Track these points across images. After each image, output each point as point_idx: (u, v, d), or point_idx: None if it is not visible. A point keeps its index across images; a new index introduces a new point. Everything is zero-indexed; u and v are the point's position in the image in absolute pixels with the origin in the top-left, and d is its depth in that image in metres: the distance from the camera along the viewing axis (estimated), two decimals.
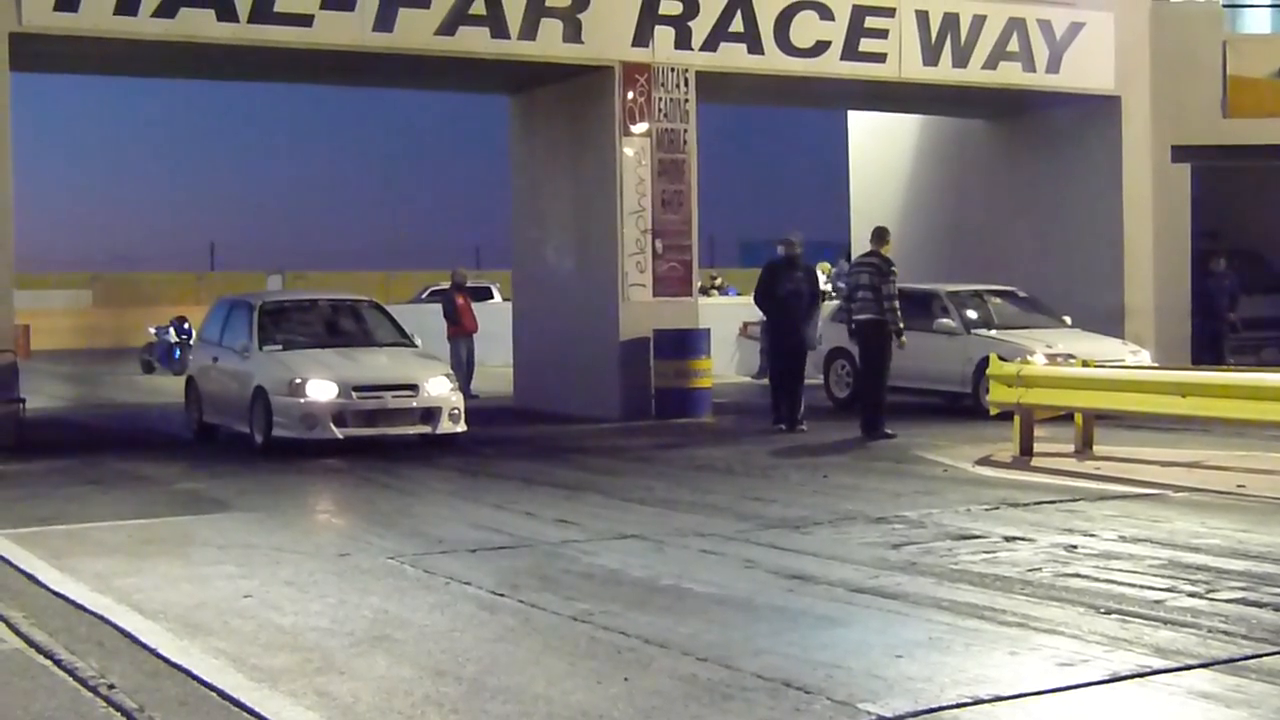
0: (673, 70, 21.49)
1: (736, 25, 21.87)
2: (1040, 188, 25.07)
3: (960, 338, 19.79)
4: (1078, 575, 8.82)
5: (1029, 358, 16.78)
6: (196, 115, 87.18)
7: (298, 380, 16.21)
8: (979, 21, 23.41)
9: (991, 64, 23.48)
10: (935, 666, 6.73)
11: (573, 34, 20.85)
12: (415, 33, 19.99)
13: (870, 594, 8.41)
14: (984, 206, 25.59)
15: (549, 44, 20.76)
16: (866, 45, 22.71)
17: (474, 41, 20.36)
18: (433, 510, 12.20)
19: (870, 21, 22.70)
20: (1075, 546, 9.83)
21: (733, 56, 21.94)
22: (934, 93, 24.16)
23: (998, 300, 21.24)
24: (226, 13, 18.87)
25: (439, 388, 16.73)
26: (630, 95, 21.20)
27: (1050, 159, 25.25)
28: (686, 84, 21.58)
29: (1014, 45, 23.59)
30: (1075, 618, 7.65)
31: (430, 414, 16.58)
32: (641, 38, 21.33)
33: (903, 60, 23.02)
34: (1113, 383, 14.33)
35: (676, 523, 11.33)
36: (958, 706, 6.02)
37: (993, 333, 19.73)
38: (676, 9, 21.49)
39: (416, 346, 18.13)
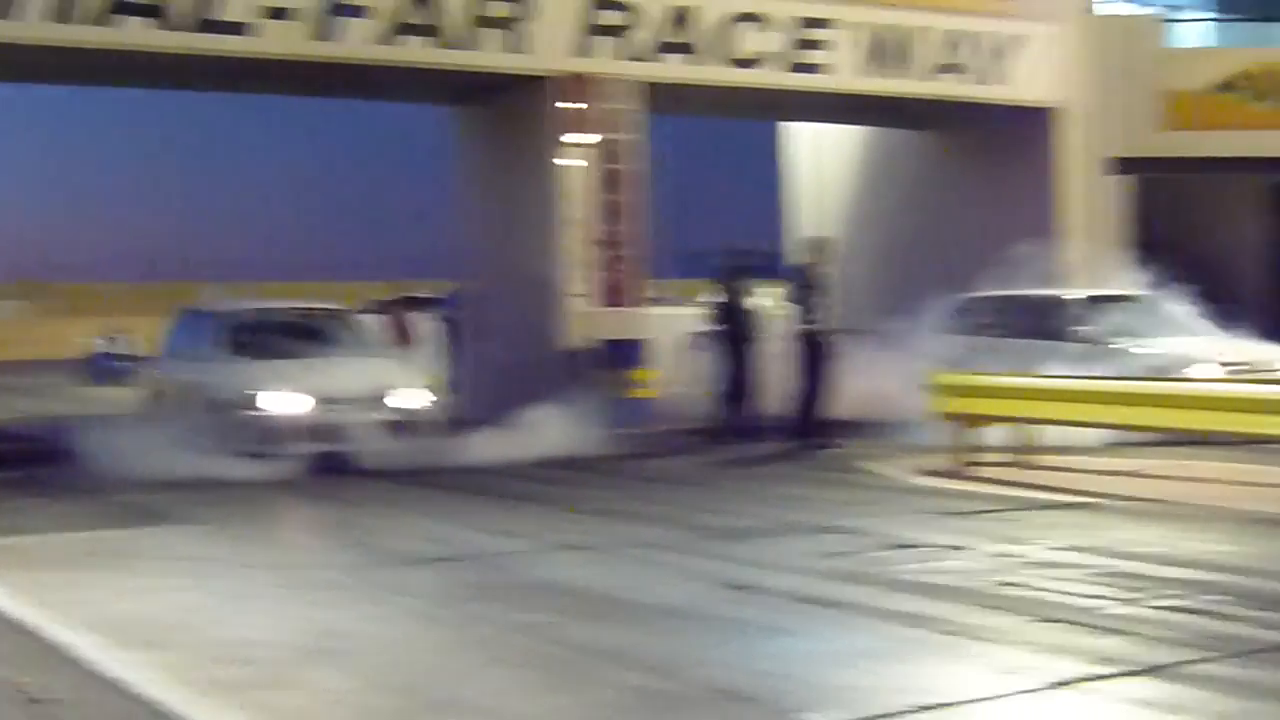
0: (614, 81, 21.53)
1: (678, 36, 21.95)
2: (979, 199, 25.23)
3: (1102, 348, 17.82)
4: (1016, 584, 8.89)
5: (1197, 369, 16.03)
6: (138, 124, 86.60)
7: (264, 393, 15.70)
8: (918, 33, 23.58)
9: (930, 76, 23.65)
10: (877, 675, 6.77)
11: (514, 44, 20.87)
12: (356, 42, 19.94)
13: (812, 603, 8.45)
14: (922, 218, 25.72)
15: (490, 54, 20.78)
16: (806, 57, 22.84)
17: (414, 51, 20.35)
18: (377, 522, 12.18)
19: (810, 33, 22.83)
20: (1013, 555, 9.91)
21: (674, 68, 22.02)
22: (873, 104, 24.32)
23: (1128, 305, 19.44)
24: (166, 21, 18.78)
25: (413, 399, 16.31)
26: (571, 106, 21.22)
27: (989, 170, 25.43)
28: (628, 95, 21.62)
29: (953, 57, 23.78)
30: (1015, 626, 7.72)
31: (405, 427, 16.03)
32: (583, 48, 21.37)
33: (842, 72, 23.17)
34: (1051, 392, 14.45)
35: (621, 533, 11.36)
36: (899, 714, 6.07)
37: (1144, 343, 18.05)
38: (618, 19, 21.54)
39: (391, 356, 17.90)
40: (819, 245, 17.85)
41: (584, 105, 21.29)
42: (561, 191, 21.18)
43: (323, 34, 19.72)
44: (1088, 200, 24.82)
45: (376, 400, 15.97)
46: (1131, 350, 17.66)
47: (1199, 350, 17.30)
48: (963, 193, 25.49)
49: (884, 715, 6.06)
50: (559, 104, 21.17)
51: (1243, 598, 8.34)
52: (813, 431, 17.15)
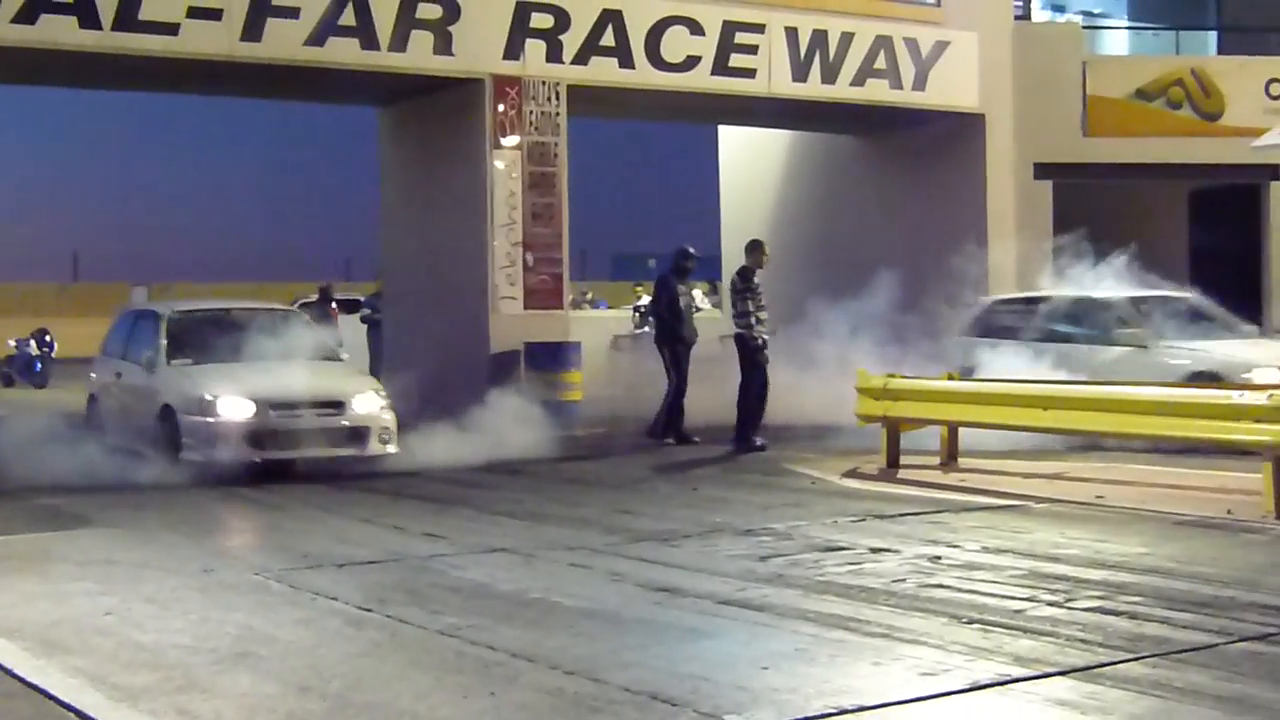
0: (544, 83, 21.49)
1: (608, 39, 21.92)
2: (907, 203, 25.38)
3: (1154, 352, 16.97)
4: (941, 586, 8.93)
5: (1260, 374, 15.16)
6: (58, 122, 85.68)
7: (209, 397, 14.85)
8: (847, 39, 23.68)
9: (859, 81, 23.76)
10: (800, 677, 6.77)
11: (443, 46, 20.79)
12: (284, 43, 19.80)
13: (737, 606, 8.44)
14: (853, 220, 25.84)
15: (419, 56, 20.68)
16: (736, 61, 22.88)
17: (343, 53, 20.23)
18: (300, 525, 12.08)
19: (740, 37, 22.88)
20: (939, 557, 9.94)
21: (604, 71, 22.00)
22: (803, 108, 24.40)
23: (1169, 306, 18.49)
24: (89, 20, 18.57)
25: (367, 405, 15.47)
26: (501, 108, 21.17)
27: (917, 175, 25.60)
28: (558, 97, 21.59)
29: (881, 63, 23.89)
30: (938, 628, 7.74)
31: (358, 434, 15.29)
32: (512, 51, 21.31)
33: (772, 76, 23.23)
34: (977, 395, 14.54)
35: (545, 536, 11.32)
36: (822, 717, 6.06)
37: (1196, 346, 17.08)
38: (548, 23, 21.49)
39: (342, 360, 17.05)
40: (756, 248, 17.83)
41: (513, 108, 21.24)
42: (489, 193, 21.10)
43: (250, 35, 19.56)
44: (1015, 204, 25.01)
45: (330, 405, 15.28)
46: (1183, 353, 16.80)
47: (1256, 354, 16.55)
48: (892, 196, 25.63)
49: (806, 717, 6.06)
50: (487, 107, 21.12)
51: (1161, 599, 8.41)
52: (745, 434, 17.16)
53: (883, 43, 23.92)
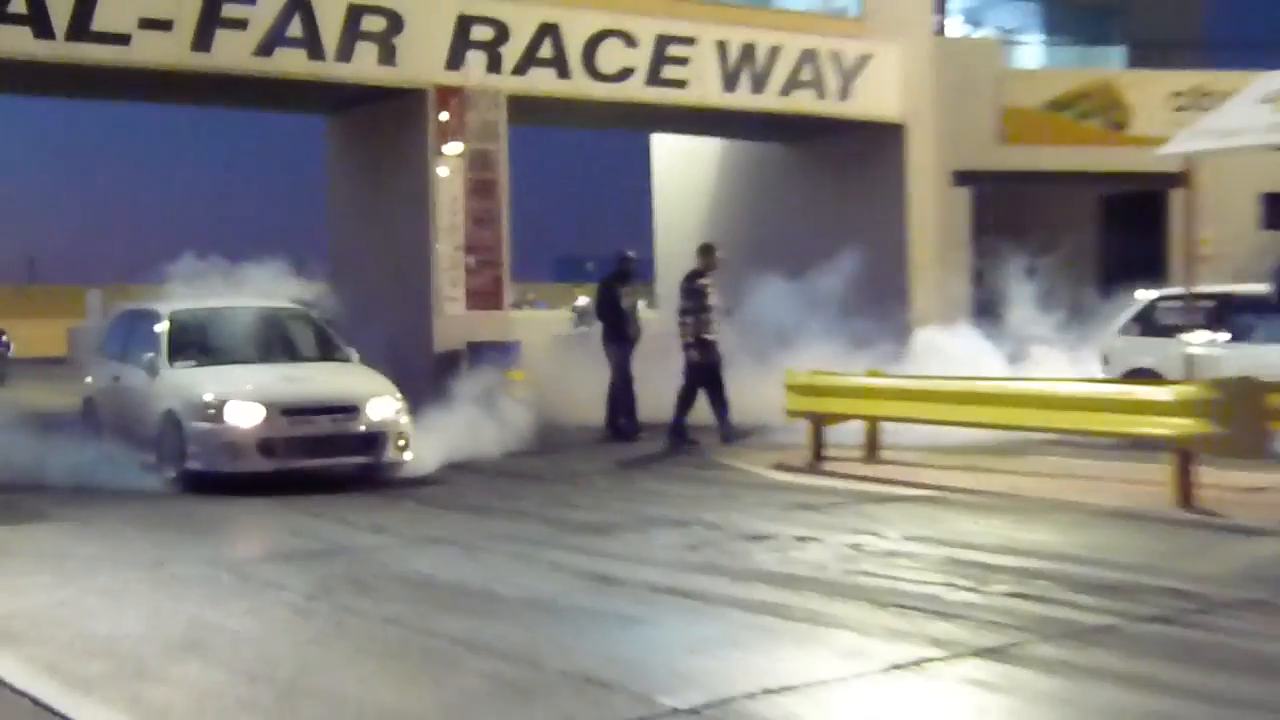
0: (484, 93, 21.48)
1: (546, 51, 21.96)
2: (833, 209, 25.50)
3: None
4: (863, 573, 9.00)
5: None
6: (12, 130, 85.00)
7: (215, 401, 13.34)
8: (774, 52, 23.80)
9: (786, 91, 23.88)
10: (729, 661, 6.82)
11: (387, 57, 20.76)
12: (233, 53, 19.70)
13: (670, 594, 8.49)
14: (781, 226, 25.91)
15: (364, 66, 20.64)
16: (669, 72, 22.96)
17: (291, 63, 20.16)
18: (250, 518, 12.04)
19: (672, 50, 22.95)
20: (861, 546, 10.01)
21: (542, 81, 22.03)
22: (733, 118, 24.50)
23: None
24: (43, 30, 18.43)
25: (384, 410, 13.91)
26: (443, 117, 21.14)
27: (841, 182, 25.73)
28: (498, 107, 21.59)
29: (807, 75, 24.03)
30: (859, 612, 7.81)
31: (373, 440, 13.79)
32: (454, 61, 21.30)
33: (703, 87, 23.31)
34: (898, 391, 14.62)
35: (486, 528, 11.33)
36: (748, 697, 6.11)
37: None
38: (488, 34, 21.50)
39: (352, 360, 15.29)
40: (707, 251, 17.82)
41: (455, 117, 21.22)
42: (432, 199, 21.08)
43: (200, 45, 19.46)
44: (935, 210, 25.19)
45: (344, 410, 13.76)
46: None
47: None
48: (818, 201, 25.74)
49: (733, 698, 6.10)
50: (430, 115, 21.09)
51: (1069, 584, 8.52)
52: (682, 430, 17.14)
53: (808, 56, 24.06)
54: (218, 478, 13.22)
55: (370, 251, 22.44)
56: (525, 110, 22.32)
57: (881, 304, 21.76)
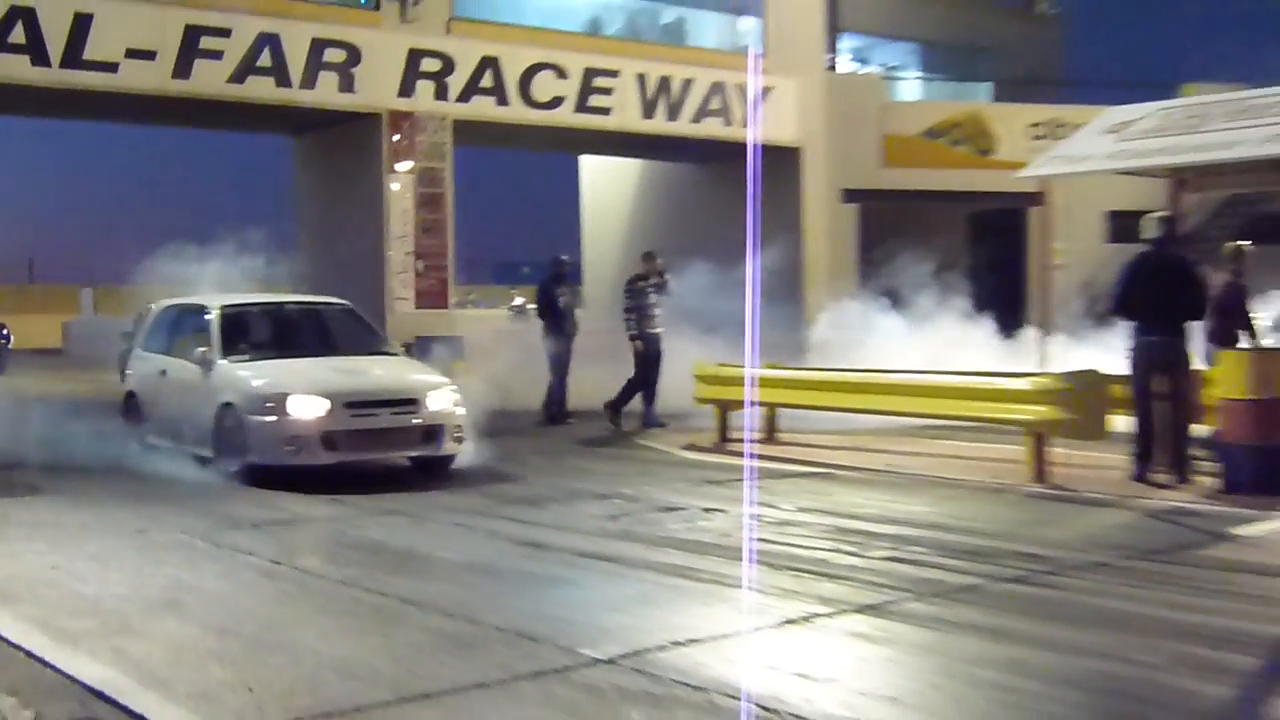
0: (432, 118, 21.39)
1: (487, 81, 21.92)
2: (738, 222, 25.48)
3: None
4: (761, 540, 9.00)
5: None
6: (13, 146, 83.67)
7: (277, 394, 11.79)
8: (688, 84, 23.87)
9: (697, 119, 23.97)
10: (644, 617, 6.82)
11: (347, 85, 20.66)
12: (210, 81, 19.55)
13: (593, 558, 8.48)
14: (693, 235, 25.86)
15: (326, 93, 20.52)
16: (595, 101, 22.97)
17: (261, 90, 20.01)
18: (223, 492, 11.87)
19: (598, 81, 22.97)
20: (759, 516, 10.03)
21: (484, 108, 21.99)
22: (651, 141, 24.56)
23: None
24: (40, 58, 18.18)
25: (441, 402, 12.31)
26: (396, 138, 21.05)
27: (745, 198, 25.75)
28: (444, 130, 21.50)
29: (716, 104, 24.12)
30: (758, 574, 7.82)
31: (433, 433, 12.18)
32: (406, 90, 21.20)
33: (625, 114, 23.33)
34: (791, 382, 14.66)
35: (433, 501, 11.24)
36: (659, 649, 6.12)
37: None
38: (436, 66, 21.42)
39: (399, 354, 13.98)
40: (649, 257, 17.77)
41: (406, 139, 21.11)
42: (385, 210, 20.97)
43: (180, 73, 19.26)
44: (827, 223, 25.35)
45: (405, 403, 12.14)
46: None
47: None
48: (725, 215, 25.76)
49: (647, 649, 6.11)
50: (384, 137, 21.00)
51: (940, 549, 8.59)
52: (619, 408, 17.10)
53: (717, 88, 24.14)
54: (280, 471, 11.72)
55: (331, 256, 22.27)
56: (469, 133, 22.26)
57: (781, 304, 21.84)
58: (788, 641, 6.36)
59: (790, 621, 6.66)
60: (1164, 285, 11.05)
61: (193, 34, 19.43)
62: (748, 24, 25.89)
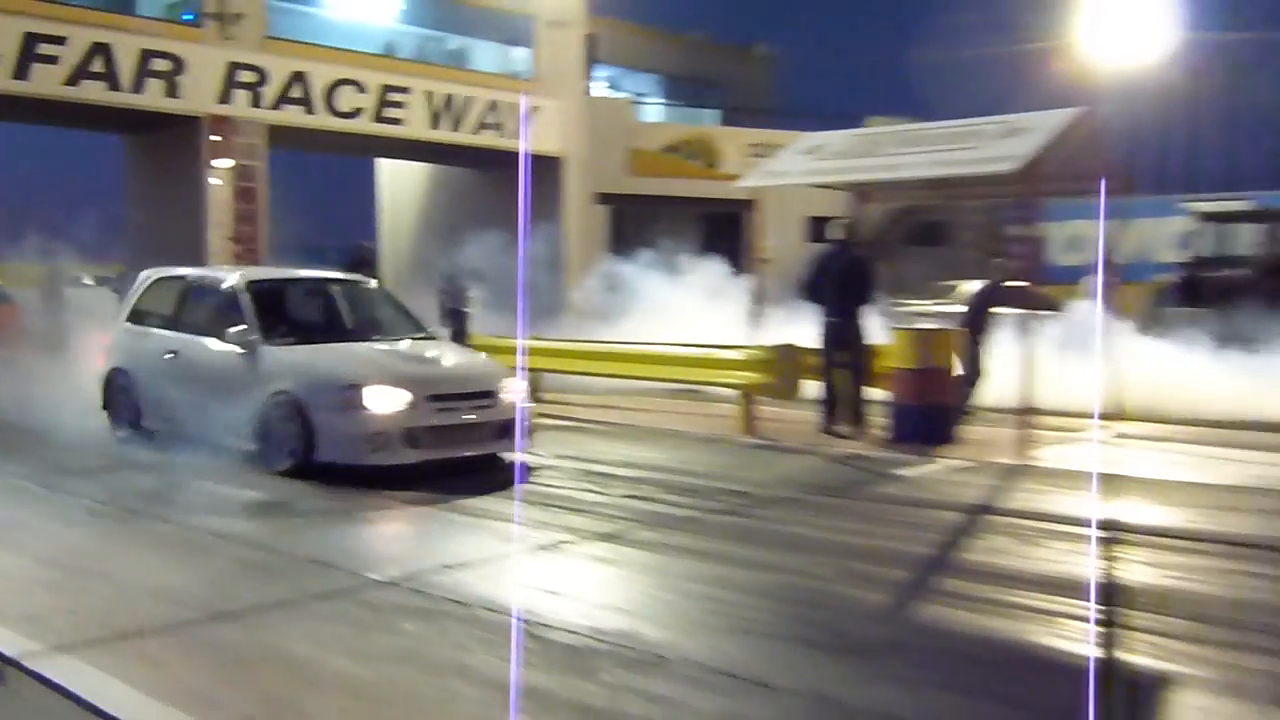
0: (248, 122, 20.66)
1: (296, 92, 21.27)
2: (510, 219, 25.38)
3: None
4: (526, 483, 9.02)
5: None
6: None
7: (352, 384, 8.83)
8: (469, 100, 23.61)
9: (477, 130, 23.74)
10: (421, 547, 6.81)
11: (172, 91, 19.76)
12: (46, 83, 18.45)
13: (376, 497, 8.34)
14: (472, 231, 25.62)
15: (154, 97, 19.60)
16: (390, 112, 22.55)
17: (94, 92, 18.98)
18: (61, 442, 11.18)
19: (392, 95, 22.56)
20: (525, 463, 10.03)
21: (293, 115, 21.33)
22: (437, 149, 24.23)
23: None
24: None
25: (516, 393, 9.55)
26: (216, 139, 20.25)
27: (515, 199, 25.64)
28: (259, 133, 20.80)
29: (492, 119, 23.92)
30: (518, 510, 7.85)
31: (507, 428, 9.35)
32: (225, 97, 20.41)
33: (415, 125, 22.97)
34: (550, 351, 14.67)
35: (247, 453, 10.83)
36: (432, 571, 6.10)
37: None
38: (252, 78, 20.68)
39: (440, 337, 11.10)
40: (454, 253, 17.61)
41: (225, 140, 20.35)
42: (206, 202, 20.20)
43: (20, 75, 18.13)
44: (584, 221, 25.46)
45: (484, 395, 9.28)
46: None
47: None
48: (499, 213, 25.57)
49: (421, 571, 6.08)
50: (205, 138, 20.20)
51: (667, 488, 8.74)
52: None
53: (493, 104, 23.95)
54: (354, 471, 8.75)
55: (159, 239, 21.28)
56: (284, 137, 21.56)
57: (546, 286, 21.90)
58: (539, 564, 6.40)
59: (542, 548, 6.71)
60: (843, 276, 11.46)
61: (31, 40, 18.30)
62: (520, 53, 25.77)
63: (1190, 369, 13.14)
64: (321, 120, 21.71)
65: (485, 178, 26.28)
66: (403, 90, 22.69)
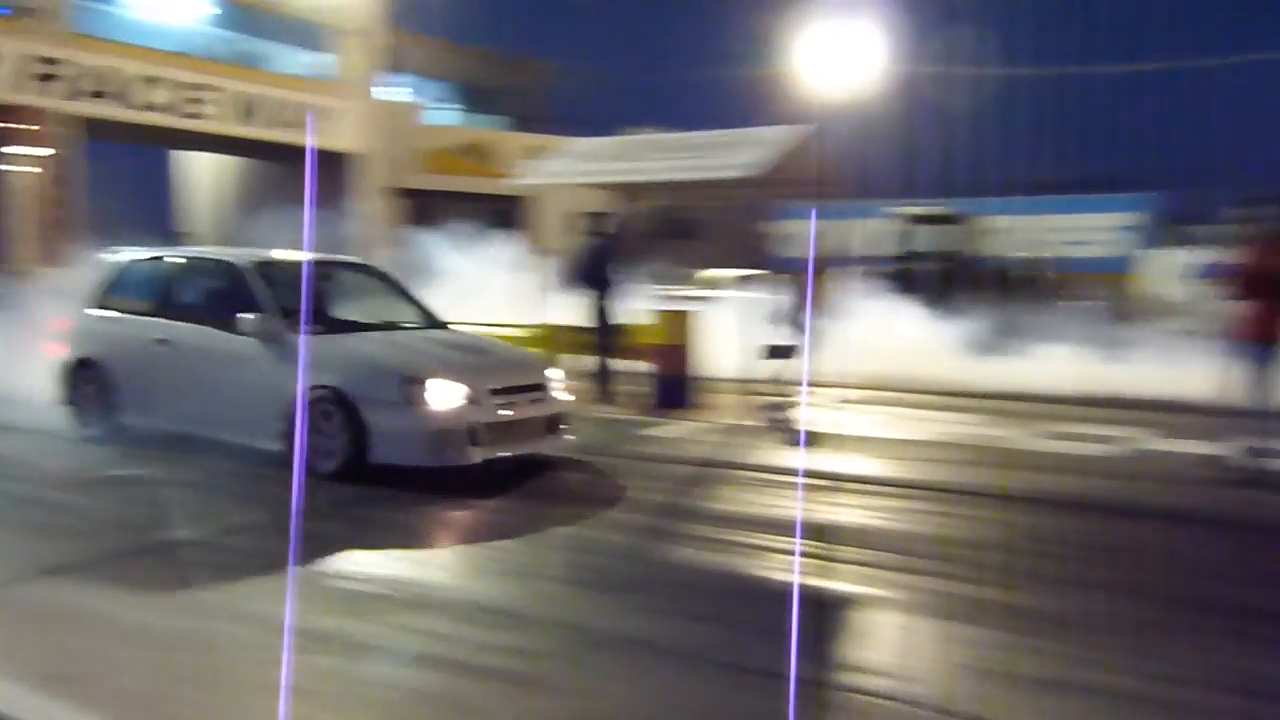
0: (61, 115, 19.27)
1: (102, 87, 19.96)
2: (314, 210, 24.57)
3: None
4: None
5: None
6: None
7: (413, 378, 7.02)
8: (279, 101, 22.75)
9: (282, 128, 22.87)
10: (206, 506, 6.45)
11: None
12: None
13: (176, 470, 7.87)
14: (278, 220, 24.63)
15: None
16: (194, 109, 21.48)
17: None
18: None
19: (205, 95, 21.50)
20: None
21: (106, 108, 20.02)
22: (247, 144, 23.26)
23: None
24: None
25: (560, 388, 7.85)
26: (11, 126, 18.85)
27: (320, 191, 24.80)
28: (74, 124, 19.43)
29: (293, 117, 23.11)
30: None
31: (555, 424, 7.67)
32: (32, 89, 18.94)
33: (220, 120, 21.97)
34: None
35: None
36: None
37: None
38: (69, 71, 19.27)
39: (459, 327, 8.77)
40: (288, 241, 16.62)
41: (39, 129, 18.91)
42: (16, 187, 18.76)
43: None
44: (381, 213, 24.90)
45: (536, 389, 7.58)
46: None
47: None
48: (298, 203, 24.69)
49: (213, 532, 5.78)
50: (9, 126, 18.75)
51: None
52: None
53: (301, 105, 23.13)
54: (413, 474, 6.96)
55: None
56: (101, 130, 20.24)
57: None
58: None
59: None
60: (600, 264, 11.60)
61: None
62: (322, 58, 24.90)
63: (904, 344, 13.78)
64: (133, 115, 20.43)
65: (289, 171, 25.30)
66: (215, 90, 21.62)
